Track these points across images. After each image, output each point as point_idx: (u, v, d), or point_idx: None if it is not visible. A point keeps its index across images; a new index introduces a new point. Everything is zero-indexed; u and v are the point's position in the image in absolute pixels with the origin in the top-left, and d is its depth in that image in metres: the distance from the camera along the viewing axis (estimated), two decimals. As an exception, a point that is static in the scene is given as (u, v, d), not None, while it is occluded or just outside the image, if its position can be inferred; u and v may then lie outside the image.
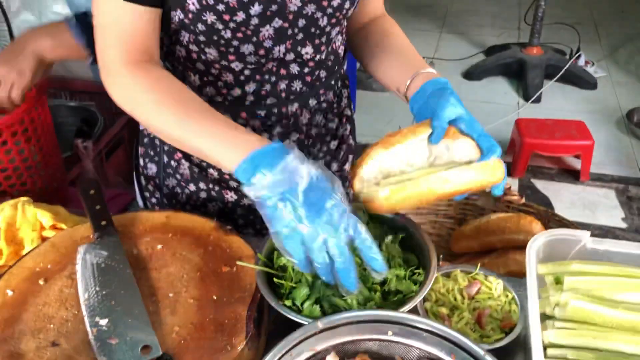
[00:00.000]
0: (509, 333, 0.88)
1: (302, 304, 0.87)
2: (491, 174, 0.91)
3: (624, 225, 2.70)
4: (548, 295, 0.87)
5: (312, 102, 1.14)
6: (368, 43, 1.17)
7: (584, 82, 3.86)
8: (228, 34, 0.98)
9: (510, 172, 3.04)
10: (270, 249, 0.95)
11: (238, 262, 0.95)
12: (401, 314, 0.81)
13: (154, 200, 1.27)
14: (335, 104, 1.22)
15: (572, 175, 3.00)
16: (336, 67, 1.17)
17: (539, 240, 0.89)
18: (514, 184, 2.97)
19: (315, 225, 0.79)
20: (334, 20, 1.05)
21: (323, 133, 1.22)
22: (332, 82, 1.17)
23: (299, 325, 0.82)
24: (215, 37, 0.98)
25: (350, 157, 1.32)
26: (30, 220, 1.12)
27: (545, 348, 0.81)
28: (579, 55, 3.94)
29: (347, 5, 1.03)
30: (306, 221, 0.79)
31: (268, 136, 1.13)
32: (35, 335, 0.86)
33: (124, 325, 0.86)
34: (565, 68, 3.73)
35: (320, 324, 0.80)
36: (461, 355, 0.77)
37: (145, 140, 1.22)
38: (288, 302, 0.87)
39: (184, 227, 1.04)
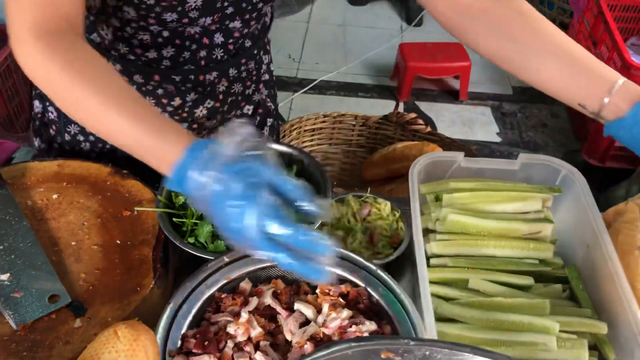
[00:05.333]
0: (398, 248, 0.98)
1: (206, 241, 0.91)
2: None
3: (498, 139, 2.93)
4: (430, 212, 0.97)
5: (232, 71, 1.09)
6: (515, 42, 0.90)
7: (461, 4, 4.01)
8: (151, 1, 0.89)
9: (396, 95, 3.17)
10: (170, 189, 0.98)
11: (136, 208, 0.97)
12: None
13: (48, 146, 1.20)
14: (255, 71, 1.17)
15: (452, 95, 3.18)
16: (261, 35, 1.12)
17: (420, 162, 0.97)
18: (400, 107, 3.11)
19: (240, 219, 0.66)
20: None
21: (239, 99, 1.18)
22: (255, 51, 1.12)
23: (204, 260, 0.86)
24: (135, 1, 0.90)
25: (270, 120, 1.30)
26: None
27: (428, 258, 0.91)
28: (456, -22, 4.07)
29: None
30: (230, 220, 0.68)
31: (181, 101, 1.08)
32: None
33: (28, 278, 0.86)
34: (444, -9, 3.85)
35: (226, 258, 0.84)
36: (361, 273, 0.85)
37: None
38: (192, 240, 0.91)
39: (78, 175, 1.03)
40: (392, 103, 3.14)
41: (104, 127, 0.79)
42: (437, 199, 0.96)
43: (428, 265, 0.89)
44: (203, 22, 0.97)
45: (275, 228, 0.65)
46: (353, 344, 0.50)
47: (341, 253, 0.86)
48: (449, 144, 1.77)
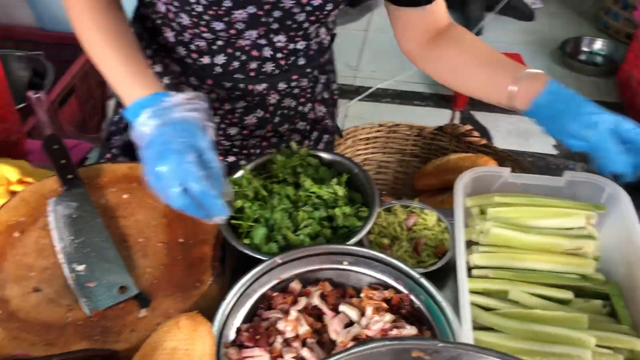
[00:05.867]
0: (442, 258, 1.02)
1: (260, 243, 0.97)
2: None
3: (555, 151, 2.90)
4: (475, 224, 1.00)
5: (282, 85, 1.16)
6: (447, 60, 1.08)
7: (521, 13, 3.98)
8: (200, 8, 0.99)
9: (451, 105, 3.18)
10: (229, 194, 1.05)
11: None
12: (351, 247, 0.93)
13: (119, 144, 1.31)
14: (309, 89, 1.24)
15: (509, 106, 3.17)
16: (317, 55, 1.18)
17: (466, 176, 1.01)
18: (455, 116, 3.12)
19: (166, 164, 0.84)
20: (313, 18, 1.05)
21: (292, 114, 1.25)
22: (309, 70, 1.19)
23: (259, 261, 0.93)
24: (187, 8, 1.00)
25: (326, 137, 1.36)
26: (-4, 175, 1.18)
27: (470, 269, 0.95)
28: (518, -14, 4.04)
29: (329, 7, 1.03)
30: (158, 162, 0.85)
31: (231, 107, 1.17)
32: (18, 283, 0.94)
33: (101, 270, 0.95)
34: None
35: (278, 260, 0.91)
36: (404, 280, 0.89)
37: None
38: (247, 241, 0.98)
39: (147, 177, 1.12)
40: (448, 112, 3.15)
41: (100, 62, 1.00)
42: (482, 212, 1.00)
43: (470, 276, 0.93)
44: (249, 35, 1.05)
45: (189, 185, 0.83)
46: (387, 342, 0.55)
47: (387, 260, 0.91)
48: (503, 157, 1.78)
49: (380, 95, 3.29)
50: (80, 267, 0.95)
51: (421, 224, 1.07)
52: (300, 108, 1.25)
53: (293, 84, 1.18)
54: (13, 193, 1.14)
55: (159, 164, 0.84)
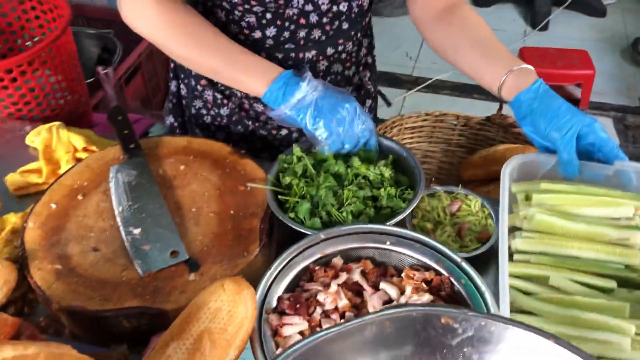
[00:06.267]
0: (485, 243, 1.02)
1: (304, 217, 1.01)
2: None
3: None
4: (519, 210, 1.00)
5: (330, 50, 1.21)
6: (449, 35, 1.15)
7: (592, 9, 3.84)
8: None
9: (512, 100, 3.12)
10: (279, 170, 1.09)
11: (249, 184, 1.09)
12: (395, 228, 0.94)
13: (179, 120, 1.38)
14: (354, 53, 1.28)
15: (573, 104, 3.08)
16: (359, 19, 1.22)
17: (513, 162, 1.01)
18: (504, 107, 3.06)
19: (329, 123, 1.02)
20: None
21: (339, 79, 1.28)
22: (353, 33, 1.23)
23: (304, 236, 0.96)
24: None
25: (368, 102, 1.40)
26: (64, 142, 1.25)
27: (512, 254, 0.95)
28: (589, -19, 3.91)
29: None
30: (322, 122, 1.02)
31: None
32: (79, 242, 1.01)
33: (155, 234, 1.00)
34: (575, -6, 3.71)
35: (322, 235, 0.93)
36: (446, 263, 0.91)
37: (178, 63, 1.33)
38: (292, 215, 1.01)
39: (203, 151, 1.17)
40: (507, 108, 3.10)
41: (207, 73, 1.14)
42: (527, 198, 1.00)
43: (512, 261, 0.93)
44: (297, 1, 1.10)
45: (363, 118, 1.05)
46: (419, 307, 0.57)
47: (429, 242, 0.92)
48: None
49: (439, 87, 3.26)
50: (136, 231, 1.01)
51: (465, 209, 1.08)
52: (346, 72, 1.29)
53: (340, 48, 1.22)
54: (78, 159, 1.22)
55: (341, 107, 1.02)
